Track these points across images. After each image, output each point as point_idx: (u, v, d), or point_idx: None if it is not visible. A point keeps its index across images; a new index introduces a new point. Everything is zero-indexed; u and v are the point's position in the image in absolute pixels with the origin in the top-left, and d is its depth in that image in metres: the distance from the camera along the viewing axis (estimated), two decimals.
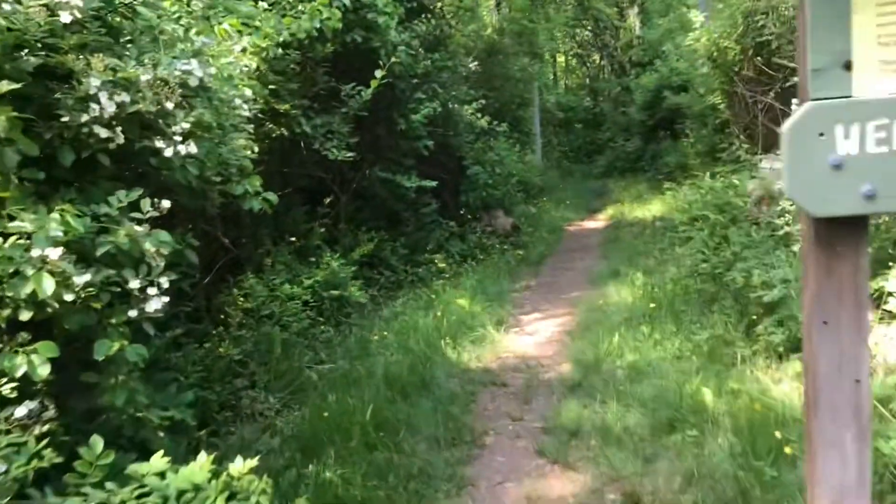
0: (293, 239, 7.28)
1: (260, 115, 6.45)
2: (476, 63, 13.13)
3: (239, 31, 6.05)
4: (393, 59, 7.23)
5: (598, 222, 14.09)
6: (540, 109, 20.81)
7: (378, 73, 6.98)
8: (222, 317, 5.80)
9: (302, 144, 7.32)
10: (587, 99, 30.21)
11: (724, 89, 11.06)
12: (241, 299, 5.95)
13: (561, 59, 33.85)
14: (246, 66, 5.79)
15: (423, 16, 9.14)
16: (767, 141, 10.64)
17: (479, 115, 11.82)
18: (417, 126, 8.69)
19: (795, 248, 4.90)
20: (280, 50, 6.47)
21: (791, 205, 4.85)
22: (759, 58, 10.37)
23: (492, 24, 16.40)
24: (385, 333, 6.36)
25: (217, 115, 4.62)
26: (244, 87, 5.16)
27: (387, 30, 7.35)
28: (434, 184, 8.88)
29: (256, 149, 5.36)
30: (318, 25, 6.31)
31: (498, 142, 13.05)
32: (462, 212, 10.84)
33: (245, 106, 4.67)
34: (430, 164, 9.76)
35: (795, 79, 8.77)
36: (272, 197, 5.29)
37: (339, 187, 8.45)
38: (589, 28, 29.93)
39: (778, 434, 3.61)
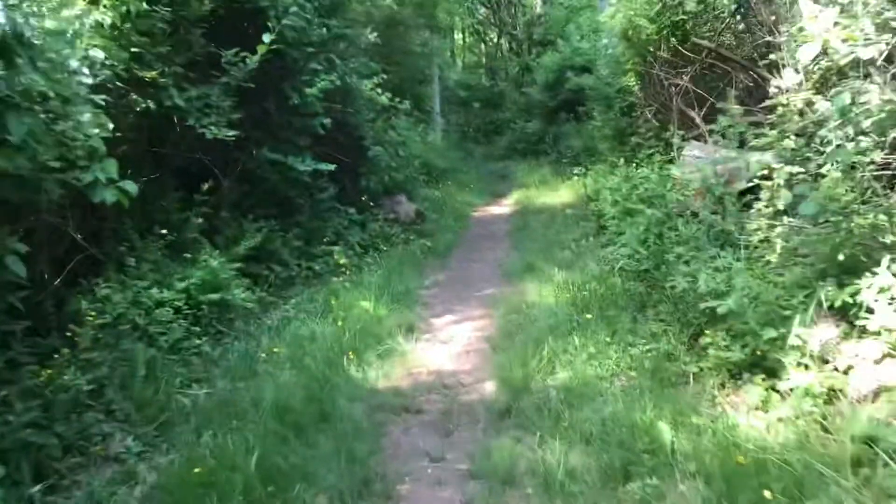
0: (164, 232, 6.15)
1: (120, 83, 5.32)
2: (375, 35, 12.12)
3: None
4: (284, 22, 6.18)
5: (504, 208, 13.45)
6: (440, 87, 19.98)
7: (266, 38, 5.93)
8: (69, 334, 4.68)
9: (175, 120, 6.19)
10: (485, 78, 29.59)
11: (637, 70, 10.56)
12: (94, 313, 4.83)
13: (459, 36, 33.10)
14: (97, 21, 4.65)
15: None
16: (683, 126, 10.24)
17: (379, 91, 10.88)
18: (313, 101, 7.67)
19: (761, 254, 4.32)
20: (144, 5, 5.34)
21: (766, 206, 4.24)
22: (674, 38, 9.91)
23: None
24: (275, 348, 5.40)
25: (49, 81, 3.53)
26: (91, 46, 4.05)
27: None
28: (332, 167, 7.90)
29: (111, 125, 4.28)
30: None
31: (400, 121, 12.14)
32: (363, 198, 9.89)
33: (85, 70, 3.59)
34: (326, 145, 8.77)
35: (711, 61, 8.13)
36: (131, 187, 4.23)
37: (221, 170, 7.34)
38: (487, 4, 29.27)
39: (768, 493, 2.94)
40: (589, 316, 5.58)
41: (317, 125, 7.93)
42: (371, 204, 10.03)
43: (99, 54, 4.20)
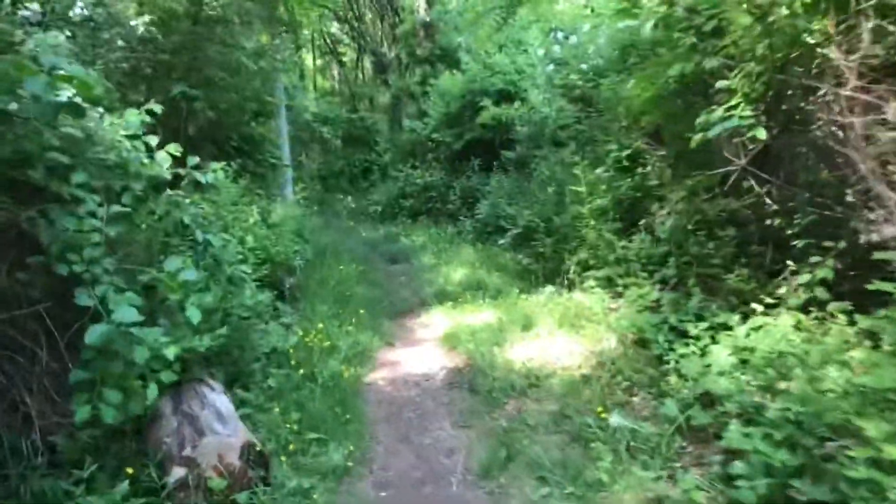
0: None
1: None
2: (145, 22, 5.64)
3: None
4: None
5: (427, 353, 7.07)
6: (289, 123, 13.42)
7: None
8: None
9: None
10: (345, 108, 23.21)
11: (756, 89, 4.64)
12: None
13: (308, 55, 26.57)
14: None
15: None
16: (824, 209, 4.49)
17: (145, 142, 4.41)
18: None
19: None
20: None
21: None
22: None
23: None
24: None
25: None
26: None
27: None
28: None
29: None
30: None
31: (208, 198, 5.68)
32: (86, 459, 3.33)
33: None
34: None
35: None
36: None
37: None
38: (342, 17, 23.11)
39: None
40: None
41: None
42: (114, 454, 3.48)
43: None
